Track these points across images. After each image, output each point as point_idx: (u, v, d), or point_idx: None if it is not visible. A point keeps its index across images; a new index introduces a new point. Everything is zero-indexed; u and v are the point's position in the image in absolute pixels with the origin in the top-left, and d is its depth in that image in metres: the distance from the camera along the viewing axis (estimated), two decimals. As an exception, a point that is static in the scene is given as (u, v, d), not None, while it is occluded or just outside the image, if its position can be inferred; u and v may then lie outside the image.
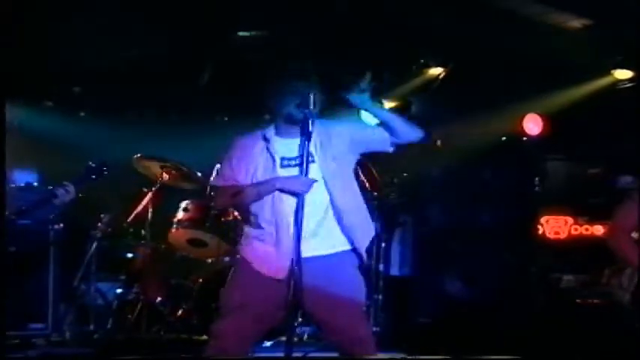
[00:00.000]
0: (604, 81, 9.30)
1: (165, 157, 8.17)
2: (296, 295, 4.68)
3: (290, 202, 4.88)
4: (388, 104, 9.91)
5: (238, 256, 5.19)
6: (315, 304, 4.86)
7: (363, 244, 5.09)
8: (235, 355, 4.98)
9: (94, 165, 6.15)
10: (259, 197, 4.95)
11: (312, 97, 4.83)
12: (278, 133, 5.05)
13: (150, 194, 8.18)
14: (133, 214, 8.30)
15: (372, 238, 5.27)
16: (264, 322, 5.05)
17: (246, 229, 5.16)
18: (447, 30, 8.69)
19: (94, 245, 8.08)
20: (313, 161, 4.91)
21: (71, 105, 10.07)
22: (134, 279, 8.43)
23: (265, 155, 5.01)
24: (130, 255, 8.69)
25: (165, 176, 8.12)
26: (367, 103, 5.00)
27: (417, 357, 7.09)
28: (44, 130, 9.54)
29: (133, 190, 8.46)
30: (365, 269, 5.29)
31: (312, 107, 4.83)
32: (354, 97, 4.96)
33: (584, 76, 9.33)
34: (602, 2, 7.96)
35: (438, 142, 9.60)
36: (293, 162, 4.98)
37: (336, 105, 5.25)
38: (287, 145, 5.01)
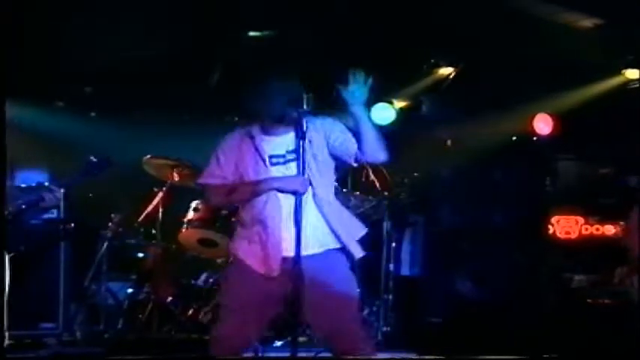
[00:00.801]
0: (614, 81, 9.27)
1: (175, 156, 8.17)
2: (293, 293, 4.72)
3: (280, 202, 4.92)
4: (398, 104, 9.92)
5: (231, 257, 5.20)
6: (308, 302, 4.85)
7: (350, 243, 5.07)
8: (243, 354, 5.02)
9: (95, 160, 6.02)
10: (255, 196, 4.97)
11: (305, 97, 4.85)
12: (264, 131, 5.06)
13: (160, 194, 8.19)
14: (143, 214, 8.31)
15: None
16: (262, 321, 5.10)
17: (238, 228, 5.18)
18: (457, 30, 8.67)
19: (105, 245, 8.10)
20: (298, 158, 4.92)
21: (82, 105, 10.07)
22: (145, 279, 8.44)
23: (252, 153, 5.03)
24: (140, 255, 8.71)
25: (176, 176, 8.12)
26: (357, 101, 4.94)
27: (425, 357, 7.07)
28: (55, 130, 9.56)
29: (144, 190, 8.46)
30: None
31: (305, 107, 4.88)
32: (347, 92, 4.94)
33: (595, 75, 9.31)
34: (613, 2, 7.93)
35: (449, 142, 9.62)
36: (282, 159, 5.00)
37: (325, 105, 5.25)
38: (274, 143, 5.03)
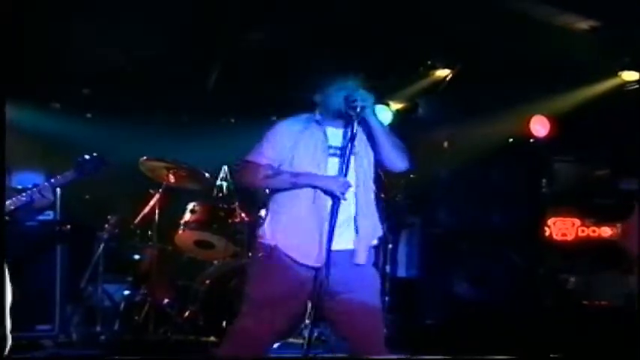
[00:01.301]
0: (611, 83, 9.28)
1: (169, 158, 8.15)
2: (323, 286, 4.75)
3: (325, 197, 4.94)
4: (395, 105, 9.93)
5: (264, 247, 5.10)
6: (338, 299, 4.90)
7: (361, 247, 5.09)
8: (252, 354, 5.00)
9: (87, 158, 5.89)
10: (293, 187, 4.98)
11: (359, 97, 4.84)
12: (326, 120, 5.07)
13: (157, 196, 8.18)
14: (140, 216, 8.30)
15: (379, 239, 5.29)
16: (291, 315, 5.11)
17: (275, 217, 5.11)
18: (454, 31, 8.68)
19: (101, 247, 8.09)
20: (343, 156, 4.94)
21: (78, 106, 10.07)
22: (141, 280, 8.43)
23: (315, 139, 5.03)
24: (137, 256, 8.71)
25: (172, 177, 8.11)
26: (367, 107, 4.92)
27: (420, 357, 7.07)
28: (52, 131, 9.55)
29: (140, 191, 8.45)
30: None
31: (359, 109, 4.83)
32: (353, 99, 4.90)
33: (592, 77, 9.32)
34: (610, 4, 7.94)
35: (445, 144, 9.62)
36: (338, 151, 5.00)
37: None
38: (335, 134, 5.04)
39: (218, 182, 8.39)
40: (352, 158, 4.91)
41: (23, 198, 5.64)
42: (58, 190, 5.94)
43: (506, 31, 8.56)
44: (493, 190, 9.45)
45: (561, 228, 9.46)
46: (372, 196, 5.16)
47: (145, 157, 8.04)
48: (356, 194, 5.00)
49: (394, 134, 5.14)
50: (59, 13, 8.09)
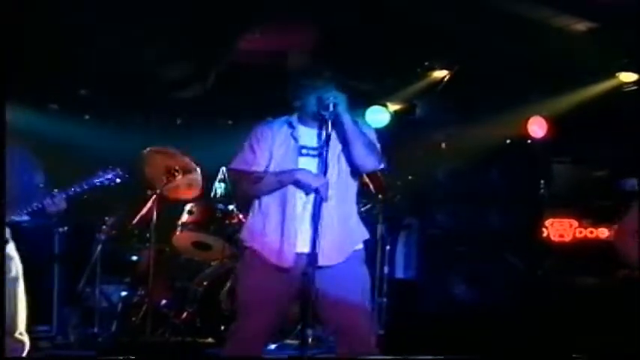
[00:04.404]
0: (609, 84, 9.26)
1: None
2: (308, 287, 4.77)
3: (297, 195, 4.97)
4: (393, 107, 9.93)
5: (247, 251, 5.15)
6: (324, 298, 4.92)
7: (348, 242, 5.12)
8: (248, 355, 5.03)
9: (108, 170, 5.96)
10: (281, 186, 5.00)
11: (331, 100, 4.87)
12: (301, 121, 5.12)
13: (154, 197, 8.17)
14: (137, 217, 8.30)
15: (370, 241, 5.30)
16: (281, 315, 5.14)
17: (252, 220, 5.16)
18: (452, 33, 8.68)
19: (99, 248, 8.08)
20: (321, 155, 4.98)
21: (76, 108, 10.06)
22: (139, 282, 8.43)
23: (289, 141, 5.08)
24: (134, 258, 8.72)
25: (167, 187, 8.04)
26: (339, 106, 4.95)
27: (416, 357, 7.06)
28: (49, 132, 9.53)
29: (138, 192, 8.45)
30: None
31: (331, 109, 4.88)
32: (327, 99, 4.94)
33: (589, 78, 9.31)
34: (607, 5, 7.94)
35: (443, 145, 9.62)
36: (312, 151, 5.05)
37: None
38: (309, 134, 5.08)
39: (216, 184, 8.39)
40: (329, 158, 4.94)
41: (35, 205, 5.65)
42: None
43: (504, 32, 8.56)
44: (491, 191, 9.44)
45: (558, 229, 9.45)
46: (352, 196, 5.19)
47: (148, 148, 8.00)
48: (335, 195, 5.01)
49: (366, 134, 5.11)
50: (57, 14, 8.08)
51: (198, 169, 8.12)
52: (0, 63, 5.51)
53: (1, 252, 5.26)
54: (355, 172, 5.13)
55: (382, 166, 5.23)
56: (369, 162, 5.08)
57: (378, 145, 5.22)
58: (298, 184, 4.97)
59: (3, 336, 5.31)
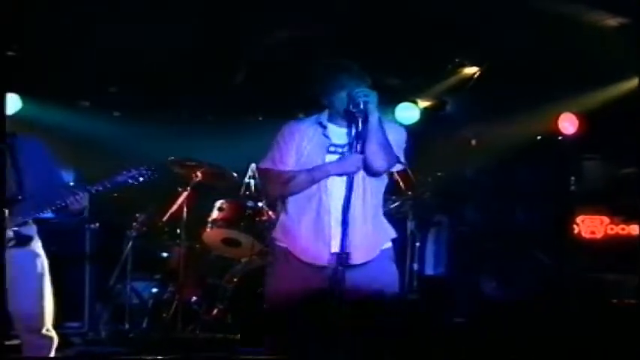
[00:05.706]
0: (640, 80, 9.21)
1: (197, 158, 8.16)
2: (339, 284, 4.74)
3: (332, 190, 4.94)
4: (423, 103, 9.91)
5: (280, 250, 5.12)
6: (356, 297, 4.89)
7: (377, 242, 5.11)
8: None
9: (140, 168, 5.85)
10: (313, 183, 4.97)
11: (362, 97, 4.84)
12: (331, 120, 5.08)
13: (185, 194, 8.20)
14: (168, 214, 8.33)
15: (400, 238, 5.29)
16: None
17: (284, 218, 5.13)
18: (482, 29, 8.65)
19: (130, 244, 8.14)
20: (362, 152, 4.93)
21: (107, 105, 10.11)
22: (169, 278, 8.47)
23: (317, 139, 5.05)
24: (165, 254, 8.76)
25: (199, 175, 8.14)
26: (373, 105, 4.91)
27: None
28: (80, 130, 9.59)
29: (168, 189, 8.48)
30: (397, 268, 5.29)
31: (362, 107, 4.84)
32: (360, 96, 4.89)
33: (620, 74, 9.25)
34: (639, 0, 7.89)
35: (473, 142, 9.59)
36: (340, 149, 5.01)
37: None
38: (338, 132, 5.05)
39: (245, 180, 8.40)
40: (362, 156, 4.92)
41: (58, 202, 5.65)
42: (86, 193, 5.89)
43: (534, 29, 8.52)
44: (521, 188, 9.42)
45: (590, 226, 9.41)
46: (381, 195, 5.16)
47: (172, 158, 8.06)
48: (366, 192, 4.99)
49: (384, 134, 4.97)
50: (87, 13, 8.12)
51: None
52: (0, 63, 5.51)
53: (1, 252, 5.25)
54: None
55: (395, 168, 5.20)
56: (380, 163, 4.98)
57: (404, 147, 5.18)
58: (334, 176, 4.94)
59: (3, 336, 5.34)
